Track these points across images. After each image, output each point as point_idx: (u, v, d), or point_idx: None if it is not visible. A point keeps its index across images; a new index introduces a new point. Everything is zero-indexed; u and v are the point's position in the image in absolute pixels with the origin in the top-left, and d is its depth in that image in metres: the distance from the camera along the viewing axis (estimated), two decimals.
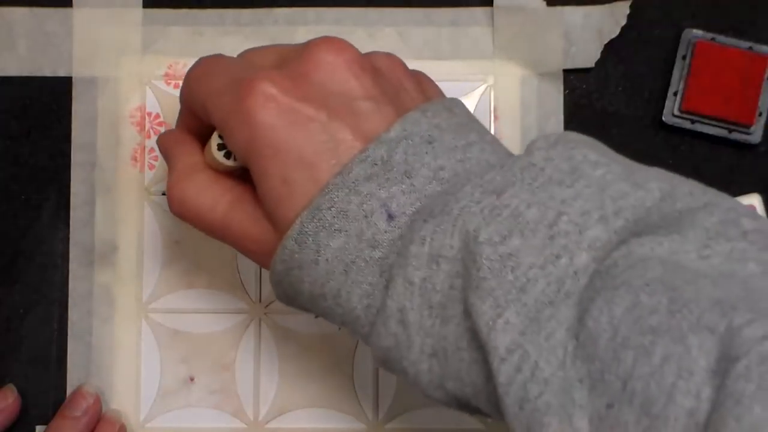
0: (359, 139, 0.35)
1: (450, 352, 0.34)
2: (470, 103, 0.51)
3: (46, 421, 0.50)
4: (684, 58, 0.50)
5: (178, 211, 0.40)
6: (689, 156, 0.51)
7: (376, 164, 0.34)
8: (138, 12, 0.51)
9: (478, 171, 0.35)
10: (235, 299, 0.51)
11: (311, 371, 0.51)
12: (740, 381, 0.27)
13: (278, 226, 0.36)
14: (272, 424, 0.50)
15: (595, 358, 0.30)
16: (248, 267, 0.51)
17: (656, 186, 0.33)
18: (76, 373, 0.50)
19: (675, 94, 0.50)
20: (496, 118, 0.51)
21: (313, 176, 0.35)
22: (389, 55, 0.39)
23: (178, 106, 0.43)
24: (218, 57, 0.40)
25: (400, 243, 0.34)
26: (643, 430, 0.28)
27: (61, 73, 0.51)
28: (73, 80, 0.51)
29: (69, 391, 0.50)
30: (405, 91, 0.38)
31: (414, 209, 0.34)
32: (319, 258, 0.35)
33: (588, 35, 0.50)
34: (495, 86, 0.51)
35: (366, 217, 0.34)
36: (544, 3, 0.50)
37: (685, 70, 0.50)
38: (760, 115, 0.50)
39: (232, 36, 0.51)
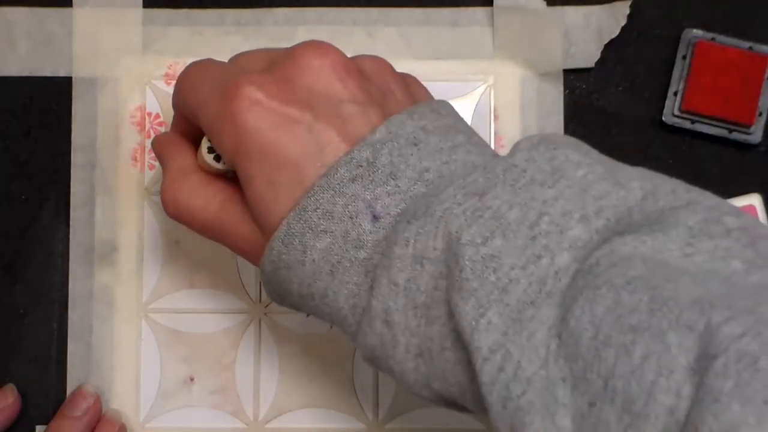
0: (345, 142, 0.35)
1: (435, 353, 0.34)
2: (470, 103, 0.51)
3: (46, 421, 0.50)
4: (684, 58, 0.50)
5: (172, 212, 0.41)
6: (689, 156, 0.51)
7: (361, 166, 0.35)
8: (138, 12, 0.51)
9: (463, 172, 0.35)
10: (235, 299, 0.51)
11: (311, 371, 0.51)
12: (719, 378, 0.27)
13: (265, 227, 0.37)
14: (272, 424, 0.50)
15: (578, 357, 0.30)
16: (248, 267, 0.51)
17: (638, 185, 0.33)
18: (76, 373, 0.50)
19: (675, 94, 0.50)
20: (496, 118, 0.51)
21: (298, 178, 0.35)
22: (376, 59, 0.39)
23: None
24: (207, 62, 0.40)
25: (384, 243, 0.34)
26: (625, 428, 0.29)
27: (62, 73, 0.51)
28: (73, 80, 0.51)
29: (69, 391, 0.50)
30: (392, 93, 0.38)
31: (399, 210, 0.35)
32: (306, 259, 0.35)
33: (588, 35, 0.50)
34: (495, 86, 0.51)
35: (351, 218, 0.34)
36: (544, 3, 0.50)
37: (685, 70, 0.50)
38: (760, 115, 0.50)
39: (232, 36, 0.51)
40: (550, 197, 0.33)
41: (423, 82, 0.42)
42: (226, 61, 0.41)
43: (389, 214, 0.35)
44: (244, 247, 0.39)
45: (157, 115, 0.51)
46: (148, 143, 0.51)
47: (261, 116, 0.36)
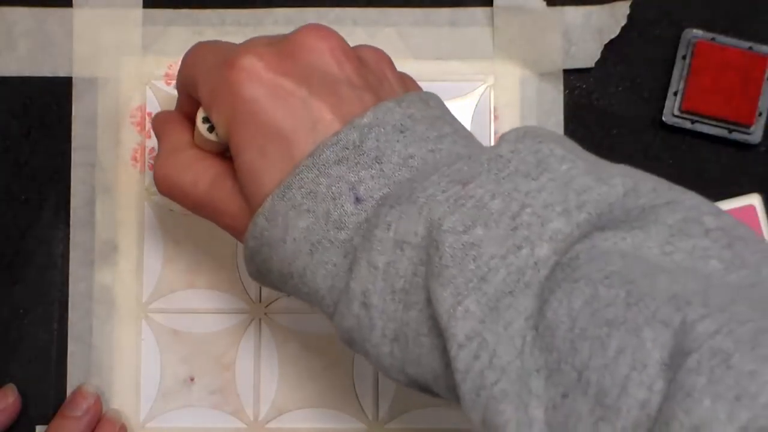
0: (337, 120, 0.36)
1: (411, 338, 0.34)
2: (470, 103, 0.51)
3: (46, 421, 0.50)
4: (684, 58, 0.50)
5: (163, 188, 0.41)
6: (689, 156, 0.51)
7: (347, 148, 0.35)
8: (138, 12, 0.51)
9: (448, 161, 0.35)
10: (235, 299, 0.51)
11: (311, 371, 0.51)
12: (691, 375, 0.27)
13: (252, 201, 0.37)
14: (272, 424, 0.50)
15: (553, 348, 0.31)
16: None
17: (620, 182, 0.33)
18: (76, 373, 0.50)
19: (675, 94, 0.50)
20: (496, 118, 0.51)
21: (289, 151, 0.36)
22: (376, 50, 0.40)
23: None
24: (214, 41, 0.41)
25: (366, 226, 0.35)
26: (596, 420, 0.29)
27: (62, 73, 0.51)
28: (74, 80, 0.51)
29: (69, 391, 0.50)
30: (387, 82, 0.39)
31: (382, 194, 0.35)
32: (287, 237, 0.36)
33: (588, 35, 0.50)
34: (495, 86, 0.51)
35: (334, 198, 0.35)
36: (544, 3, 0.50)
37: (685, 70, 0.50)
38: (760, 115, 0.50)
39: (232, 36, 0.51)
40: (534, 189, 0.33)
41: (423, 82, 0.42)
42: None
43: (372, 197, 0.35)
44: (231, 223, 0.39)
45: None
46: (148, 143, 0.51)
47: (258, 86, 0.36)
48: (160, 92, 0.51)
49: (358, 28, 0.51)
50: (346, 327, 0.36)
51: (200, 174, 0.40)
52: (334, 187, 0.35)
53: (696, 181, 0.51)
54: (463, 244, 0.32)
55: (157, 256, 0.51)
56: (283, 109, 0.36)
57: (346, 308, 0.35)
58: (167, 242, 0.51)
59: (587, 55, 0.50)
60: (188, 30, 0.51)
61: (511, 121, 0.51)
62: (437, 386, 0.35)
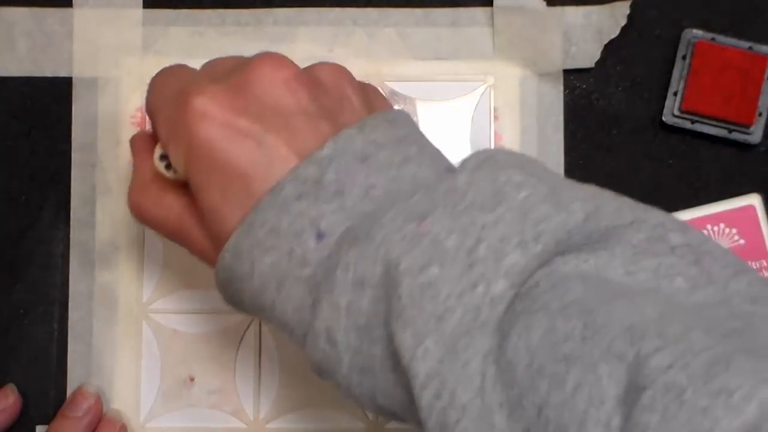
0: (293, 154, 0.35)
1: (378, 371, 0.34)
2: (470, 103, 0.51)
3: (46, 421, 0.50)
4: (684, 58, 0.50)
5: (138, 218, 0.41)
6: (689, 156, 0.51)
7: (306, 183, 0.35)
8: (138, 12, 0.51)
9: (409, 190, 0.35)
10: None
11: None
12: (645, 412, 0.27)
13: (216, 237, 0.37)
14: (272, 424, 0.50)
15: (514, 384, 0.31)
16: None
17: (580, 207, 0.33)
18: (76, 373, 0.50)
19: (675, 94, 0.50)
20: (496, 118, 0.51)
21: (248, 190, 0.35)
22: (334, 66, 0.39)
23: None
24: (175, 68, 0.41)
25: (328, 262, 0.34)
26: None
27: (62, 73, 0.51)
28: (74, 81, 0.51)
29: (69, 391, 0.50)
30: (348, 102, 0.38)
31: (344, 228, 0.35)
32: (254, 272, 0.35)
33: (588, 35, 0.50)
34: (495, 86, 0.51)
35: (296, 235, 0.35)
36: (544, 3, 0.50)
37: (685, 70, 0.50)
38: (760, 115, 0.50)
39: (232, 36, 0.51)
40: (490, 222, 0.33)
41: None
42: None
43: (334, 232, 0.35)
44: (202, 254, 0.39)
45: None
46: None
47: (211, 128, 0.36)
48: None
49: (358, 28, 0.51)
50: (315, 360, 0.35)
51: (170, 205, 0.40)
52: (296, 224, 0.35)
53: (696, 181, 0.51)
54: (420, 285, 0.32)
55: (157, 256, 0.51)
56: (239, 149, 0.35)
57: (313, 342, 0.35)
58: (167, 242, 0.51)
59: (587, 55, 0.50)
60: (188, 30, 0.51)
61: (511, 121, 0.51)
62: (407, 417, 0.35)
